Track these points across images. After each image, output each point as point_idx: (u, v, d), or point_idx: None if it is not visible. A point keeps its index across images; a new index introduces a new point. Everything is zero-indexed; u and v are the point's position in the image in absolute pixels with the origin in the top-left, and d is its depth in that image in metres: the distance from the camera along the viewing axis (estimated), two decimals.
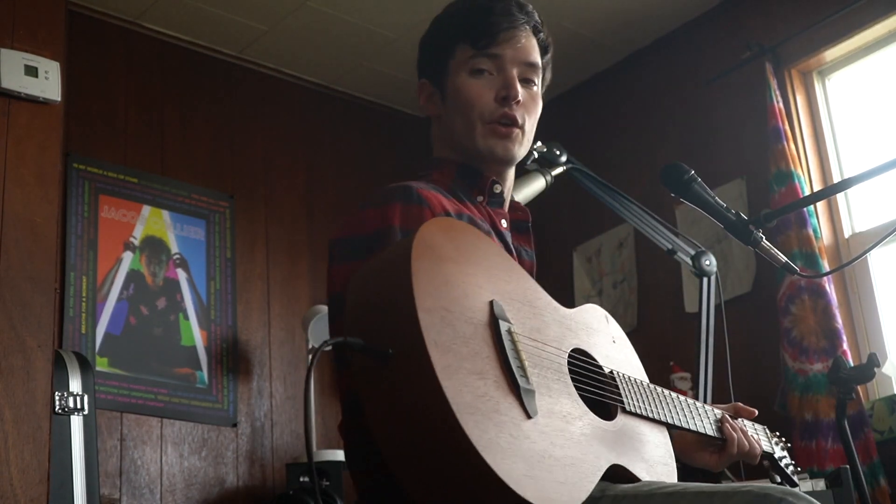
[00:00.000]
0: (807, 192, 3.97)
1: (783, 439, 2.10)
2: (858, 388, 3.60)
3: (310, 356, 4.25)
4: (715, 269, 3.46)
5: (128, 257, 4.10)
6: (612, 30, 4.56)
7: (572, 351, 1.60)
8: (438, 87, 1.82)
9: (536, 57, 1.81)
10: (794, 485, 2.06)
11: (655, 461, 1.67)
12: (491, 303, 1.45)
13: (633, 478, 1.58)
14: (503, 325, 1.44)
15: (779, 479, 2.08)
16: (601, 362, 1.67)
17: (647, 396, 1.72)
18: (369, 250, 1.57)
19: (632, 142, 4.70)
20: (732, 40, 4.34)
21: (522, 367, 1.42)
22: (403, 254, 1.39)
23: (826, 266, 3.85)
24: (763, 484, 1.44)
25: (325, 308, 4.22)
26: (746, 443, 1.88)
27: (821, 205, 4.07)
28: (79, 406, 3.02)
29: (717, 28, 4.47)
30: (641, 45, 4.73)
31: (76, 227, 3.98)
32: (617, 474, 1.55)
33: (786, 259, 1.96)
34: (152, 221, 4.20)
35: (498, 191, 1.82)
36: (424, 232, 1.43)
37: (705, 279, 3.44)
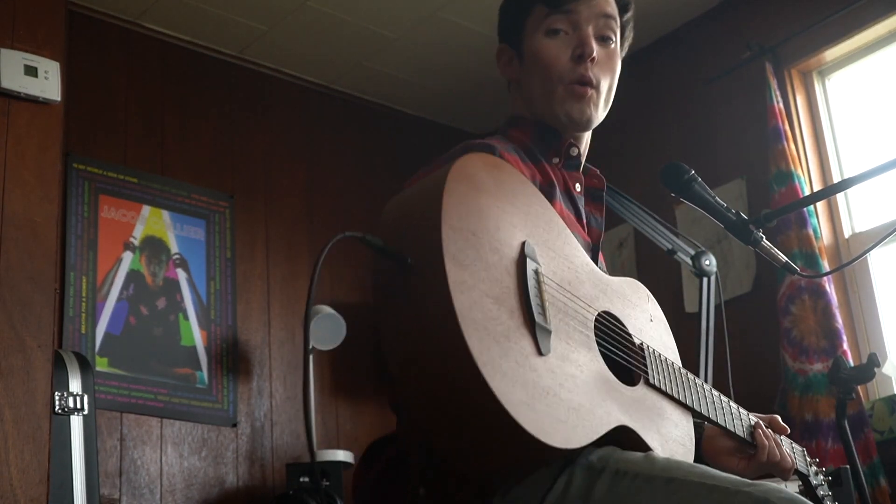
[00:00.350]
0: (807, 192, 3.97)
1: (822, 468, 2.01)
2: (858, 388, 3.59)
3: (315, 369, 4.25)
4: (715, 269, 3.46)
5: (128, 257, 4.10)
6: None
7: (602, 312, 1.55)
8: (516, 50, 1.81)
9: (613, 10, 1.79)
10: (813, 495, 1.96)
11: (671, 438, 1.60)
12: (523, 243, 1.41)
13: (644, 446, 1.52)
14: (531, 265, 1.39)
15: None
16: (632, 332, 1.61)
17: (675, 376, 1.66)
18: None
19: (632, 142, 4.70)
20: (732, 40, 4.34)
21: (542, 307, 1.38)
22: (441, 175, 1.36)
23: (826, 266, 3.85)
24: (770, 484, 1.39)
25: (325, 308, 4.22)
26: (778, 453, 1.81)
27: (821, 205, 4.06)
28: (79, 406, 3.02)
29: (717, 28, 4.47)
30: (641, 45, 4.72)
31: (76, 227, 3.98)
32: (628, 439, 1.49)
33: (786, 259, 1.96)
34: (152, 221, 4.20)
35: (574, 154, 1.79)
36: (466, 161, 1.40)
37: (705, 279, 3.44)
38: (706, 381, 2.93)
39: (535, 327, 1.35)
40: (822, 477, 1.98)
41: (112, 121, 4.22)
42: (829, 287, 3.81)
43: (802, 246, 3.85)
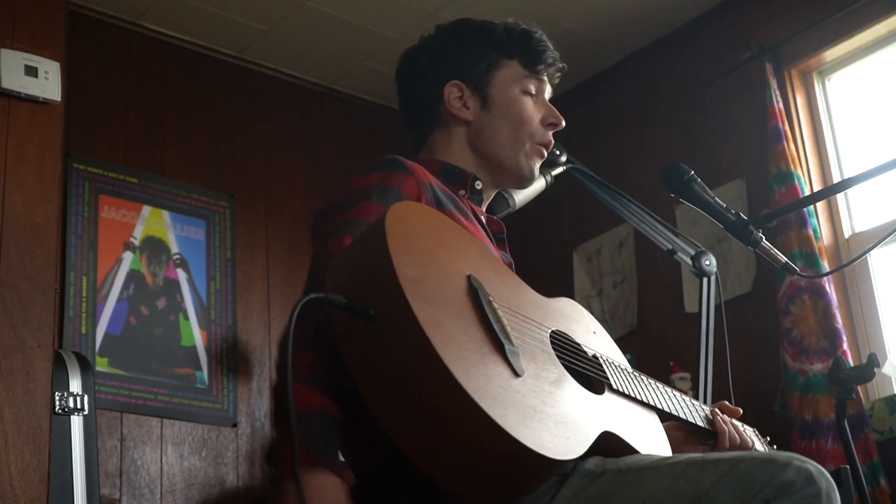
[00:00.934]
0: (807, 193, 3.97)
1: (772, 444, 2.07)
2: (858, 388, 3.59)
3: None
4: (715, 269, 3.46)
5: (128, 257, 4.10)
6: (611, 30, 4.56)
7: (554, 331, 1.59)
8: (477, 93, 1.86)
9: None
10: None
11: (649, 438, 1.64)
12: (469, 277, 1.45)
13: (629, 449, 1.56)
14: (482, 296, 1.43)
15: None
16: (583, 346, 1.66)
17: (633, 380, 1.72)
18: (351, 205, 1.60)
19: (632, 142, 4.70)
20: (732, 40, 4.34)
21: (505, 331, 1.41)
22: (378, 226, 1.39)
23: (826, 266, 3.85)
24: (765, 451, 1.45)
25: None
26: (738, 436, 1.87)
27: (821, 205, 4.06)
28: (79, 406, 3.02)
29: (717, 28, 4.47)
30: (641, 45, 4.73)
31: (76, 227, 3.98)
32: (612, 445, 1.53)
33: (786, 259, 1.96)
34: (152, 221, 4.20)
35: (479, 187, 1.86)
36: (396, 209, 1.44)
37: (705, 279, 3.44)
38: (706, 381, 2.94)
39: (504, 351, 1.38)
40: (770, 447, 2.05)
41: (112, 121, 4.22)
42: (829, 287, 3.81)
43: (802, 246, 3.85)
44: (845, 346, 3.72)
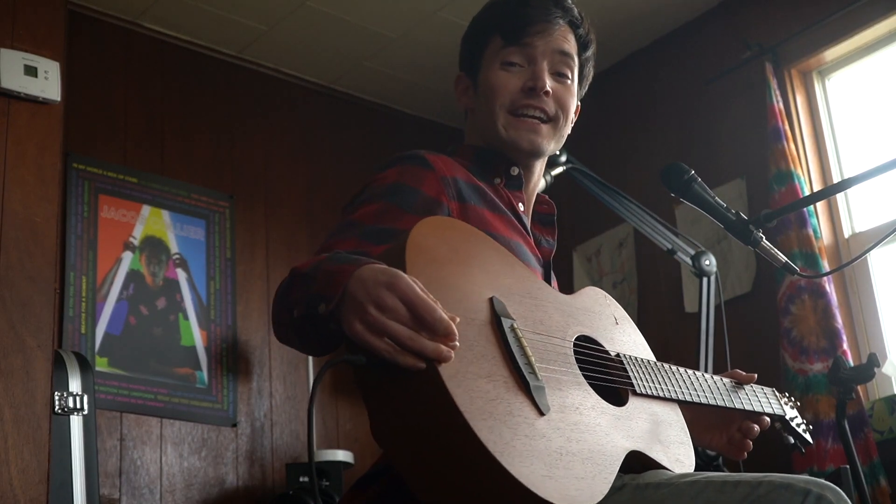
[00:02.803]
0: (807, 192, 3.97)
1: (792, 398, 2.05)
2: (858, 388, 3.60)
3: (315, 369, 4.25)
4: (715, 269, 3.46)
5: (127, 257, 4.10)
6: (612, 30, 4.56)
7: (577, 338, 1.59)
8: (473, 80, 1.84)
9: (571, 47, 1.80)
10: (806, 443, 2.03)
11: (671, 441, 1.65)
12: (491, 300, 1.44)
13: (652, 463, 1.56)
14: (506, 323, 1.42)
15: (792, 440, 2.04)
16: (606, 346, 1.65)
17: (656, 375, 1.70)
18: (364, 202, 1.60)
19: (632, 142, 4.70)
20: (732, 40, 4.34)
21: (530, 364, 1.41)
22: (397, 257, 1.37)
23: (826, 266, 3.85)
24: (782, 475, 1.44)
25: None
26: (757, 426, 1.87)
27: (821, 205, 4.07)
28: (78, 406, 3.02)
29: (717, 28, 4.47)
30: (641, 45, 4.73)
31: (76, 227, 3.98)
32: (636, 461, 1.54)
33: (786, 259, 1.96)
34: (152, 221, 4.20)
35: (515, 173, 1.80)
36: (416, 235, 1.41)
37: (705, 279, 3.45)
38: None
39: (529, 389, 1.38)
40: (791, 405, 2.03)
41: (112, 121, 4.22)
42: (829, 287, 3.81)
43: (802, 246, 3.85)
44: (845, 346, 3.72)
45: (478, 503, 1.29)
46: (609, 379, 1.60)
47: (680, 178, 1.91)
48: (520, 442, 1.31)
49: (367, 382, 1.35)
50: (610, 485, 1.41)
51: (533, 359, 1.42)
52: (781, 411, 1.96)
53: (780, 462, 3.64)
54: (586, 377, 1.53)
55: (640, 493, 1.48)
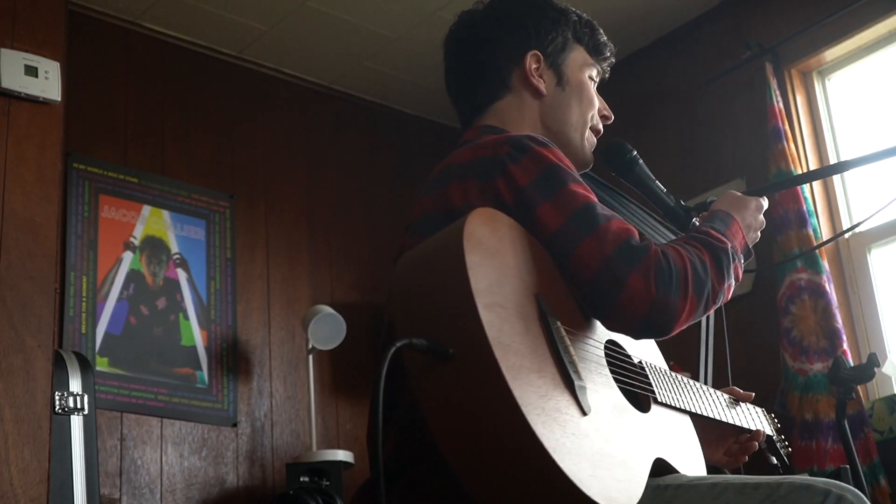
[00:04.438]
0: (807, 193, 3.97)
1: (774, 418, 2.11)
2: (858, 387, 3.59)
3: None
4: None
5: (128, 257, 4.10)
6: (612, 30, 4.54)
7: (607, 342, 1.60)
8: (554, 70, 1.85)
9: None
10: (786, 465, 2.09)
11: (687, 451, 1.67)
12: (536, 296, 1.44)
13: (671, 470, 1.58)
14: (551, 320, 1.42)
15: (774, 461, 2.08)
16: (629, 352, 1.66)
17: (674, 386, 1.73)
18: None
19: (631, 141, 4.67)
20: (732, 40, 4.34)
21: (574, 363, 1.41)
22: (455, 248, 1.37)
23: (826, 266, 3.86)
24: (801, 476, 1.47)
25: (325, 308, 4.21)
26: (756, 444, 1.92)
27: (821, 205, 4.07)
28: (79, 406, 3.02)
29: (717, 28, 4.47)
30: (641, 45, 4.73)
31: (76, 227, 3.98)
32: (657, 467, 1.55)
33: None
34: (152, 221, 4.20)
35: None
36: (471, 224, 1.40)
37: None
38: (706, 381, 2.94)
39: (574, 388, 1.38)
40: (776, 427, 2.10)
41: (112, 121, 4.22)
42: (829, 287, 3.81)
43: (802, 245, 3.85)
44: (845, 346, 3.72)
45: (521, 496, 1.29)
46: (636, 385, 1.62)
47: (622, 157, 1.87)
48: (568, 440, 1.31)
49: (420, 366, 1.34)
50: (643, 489, 1.41)
51: (576, 359, 1.43)
52: (771, 431, 2.03)
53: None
54: (616, 381, 1.55)
55: (661, 493, 1.50)
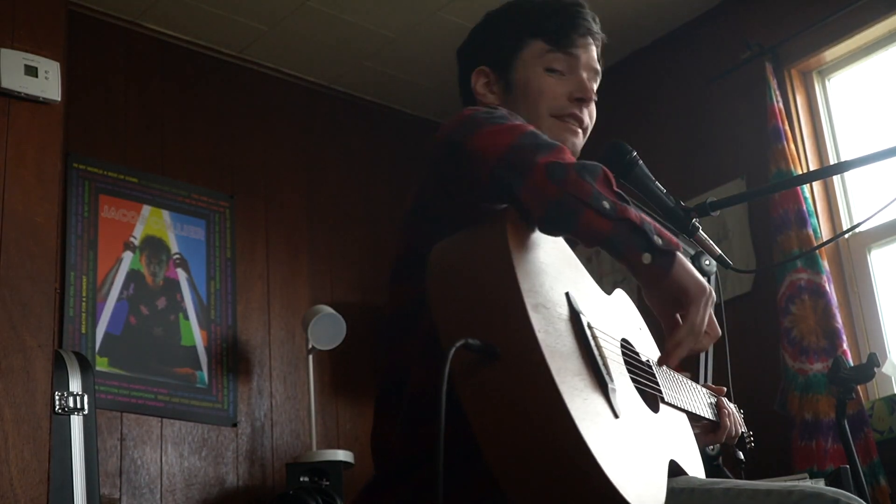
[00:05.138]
0: (807, 193, 3.97)
1: (742, 413, 2.14)
2: (858, 387, 3.59)
3: (315, 369, 4.26)
4: (715, 269, 3.45)
5: (128, 257, 4.10)
6: (612, 30, 4.54)
7: (622, 341, 1.60)
8: (502, 77, 1.83)
9: (598, 67, 1.87)
10: (746, 458, 2.13)
11: (690, 451, 1.69)
12: (567, 294, 1.43)
13: (681, 471, 1.59)
14: (583, 319, 1.42)
15: (742, 455, 2.11)
16: (638, 349, 1.67)
17: (676, 385, 1.74)
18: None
19: (631, 142, 4.66)
20: (732, 40, 4.34)
21: (606, 365, 1.41)
22: (501, 246, 1.35)
23: (826, 266, 3.86)
24: (810, 484, 1.49)
25: (325, 308, 4.22)
26: (734, 429, 1.93)
27: (821, 205, 4.07)
28: (79, 406, 3.03)
29: (717, 28, 4.47)
30: (641, 45, 4.73)
31: (76, 227, 3.98)
32: (670, 469, 1.55)
33: (720, 252, 1.95)
34: (152, 221, 4.20)
35: None
36: (513, 218, 1.39)
37: (705, 279, 3.44)
38: (706, 381, 2.94)
39: (607, 390, 1.38)
40: (744, 426, 2.12)
41: (112, 121, 4.23)
42: (829, 287, 3.81)
43: (802, 246, 3.85)
44: (845, 345, 3.72)
45: (559, 498, 1.29)
46: (648, 385, 1.62)
47: (622, 158, 1.86)
48: (608, 444, 1.31)
49: (463, 365, 1.32)
50: (665, 492, 1.42)
51: (608, 360, 1.43)
52: (744, 428, 2.05)
53: (780, 463, 3.64)
54: (632, 381, 1.55)
55: (675, 497, 1.50)
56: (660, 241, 1.37)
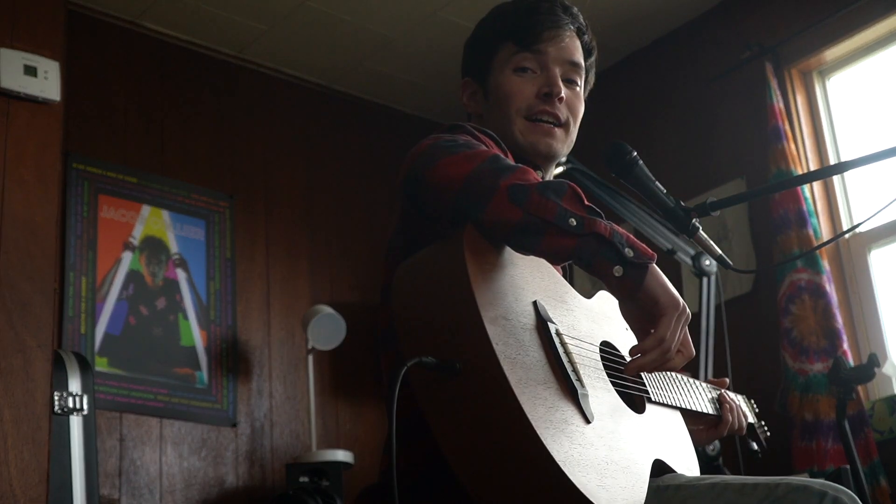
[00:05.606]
0: (807, 193, 3.97)
1: (753, 403, 2.14)
2: (858, 388, 3.60)
3: (314, 370, 4.25)
4: (715, 269, 3.46)
5: (127, 257, 4.10)
6: (612, 30, 4.56)
7: (601, 344, 1.60)
8: (481, 85, 1.84)
9: (579, 57, 1.83)
10: (763, 448, 2.12)
11: (680, 447, 1.69)
12: (535, 303, 1.44)
13: (668, 470, 1.60)
14: (551, 327, 1.42)
15: (755, 446, 2.11)
16: (623, 352, 1.67)
17: (664, 383, 1.74)
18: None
19: (631, 142, 4.67)
20: (732, 40, 4.34)
21: (576, 371, 1.41)
22: (457, 261, 1.36)
23: (826, 266, 3.85)
24: (799, 477, 1.49)
25: (325, 308, 4.21)
26: (737, 422, 1.93)
27: (821, 205, 4.07)
28: (78, 406, 3.02)
29: (717, 28, 4.47)
30: (641, 45, 4.73)
31: (76, 227, 3.98)
32: (655, 468, 1.56)
33: (720, 252, 1.95)
34: (152, 221, 4.20)
35: (540, 177, 1.82)
36: (471, 235, 1.40)
37: (705, 279, 3.45)
38: (706, 381, 2.94)
39: (577, 396, 1.38)
40: (755, 412, 2.13)
41: (112, 121, 4.22)
42: (829, 287, 3.81)
43: (802, 246, 3.85)
44: (845, 346, 3.72)
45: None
46: (630, 386, 1.62)
47: (622, 158, 1.85)
48: (576, 451, 1.31)
49: (425, 382, 1.34)
50: (645, 494, 1.42)
51: (578, 365, 1.43)
52: (753, 419, 2.06)
53: (780, 462, 3.64)
54: (613, 384, 1.55)
55: (661, 494, 1.51)
56: (631, 254, 1.37)
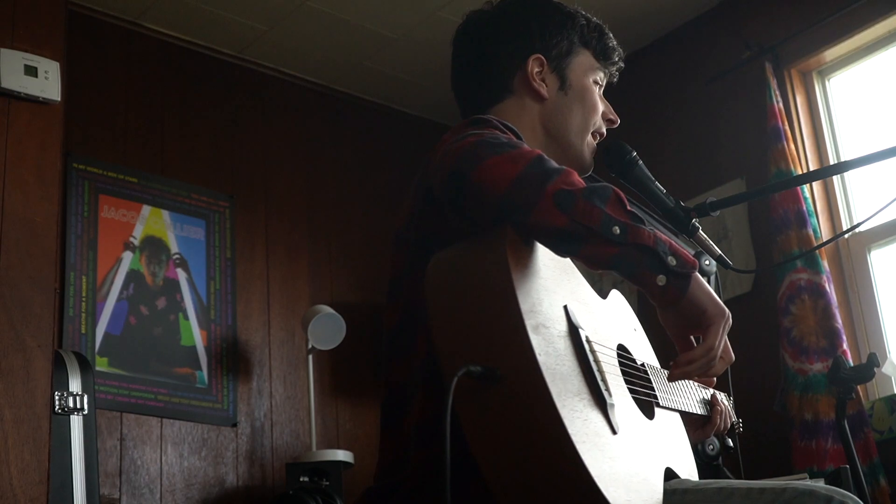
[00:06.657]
0: (807, 193, 3.97)
1: (732, 400, 2.15)
2: (858, 387, 3.59)
3: (314, 370, 4.26)
4: (714, 268, 3.45)
5: (128, 257, 4.10)
6: (611, 29, 4.55)
7: (617, 347, 1.60)
8: (558, 74, 1.83)
9: None
10: (734, 440, 2.15)
11: (684, 452, 1.70)
12: (565, 308, 1.43)
13: (674, 476, 1.60)
14: (582, 334, 1.42)
15: (731, 443, 2.13)
16: (635, 356, 1.67)
17: (668, 387, 1.74)
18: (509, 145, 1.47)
19: (631, 142, 4.67)
20: (732, 40, 4.34)
21: (604, 381, 1.41)
22: (501, 265, 1.34)
23: (826, 266, 3.85)
24: (804, 482, 1.50)
25: (325, 308, 4.22)
26: (723, 424, 1.96)
27: (821, 205, 4.07)
28: (78, 406, 3.02)
29: (717, 28, 4.47)
30: (641, 45, 4.73)
31: (76, 226, 3.98)
32: (665, 475, 1.56)
33: (720, 252, 1.95)
34: (152, 221, 4.20)
35: None
36: (512, 236, 1.38)
37: (705, 279, 3.44)
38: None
39: (605, 407, 1.38)
40: (734, 410, 2.15)
41: (112, 121, 4.22)
42: (829, 287, 3.81)
43: (802, 246, 3.85)
44: (845, 346, 3.72)
45: None
46: (644, 392, 1.62)
47: (622, 158, 1.86)
48: (607, 465, 1.30)
49: (469, 390, 1.31)
50: (661, 502, 1.42)
51: (606, 374, 1.43)
52: (735, 418, 2.07)
53: (780, 464, 3.64)
54: (629, 390, 1.55)
55: (668, 498, 1.50)
56: (674, 262, 1.37)
